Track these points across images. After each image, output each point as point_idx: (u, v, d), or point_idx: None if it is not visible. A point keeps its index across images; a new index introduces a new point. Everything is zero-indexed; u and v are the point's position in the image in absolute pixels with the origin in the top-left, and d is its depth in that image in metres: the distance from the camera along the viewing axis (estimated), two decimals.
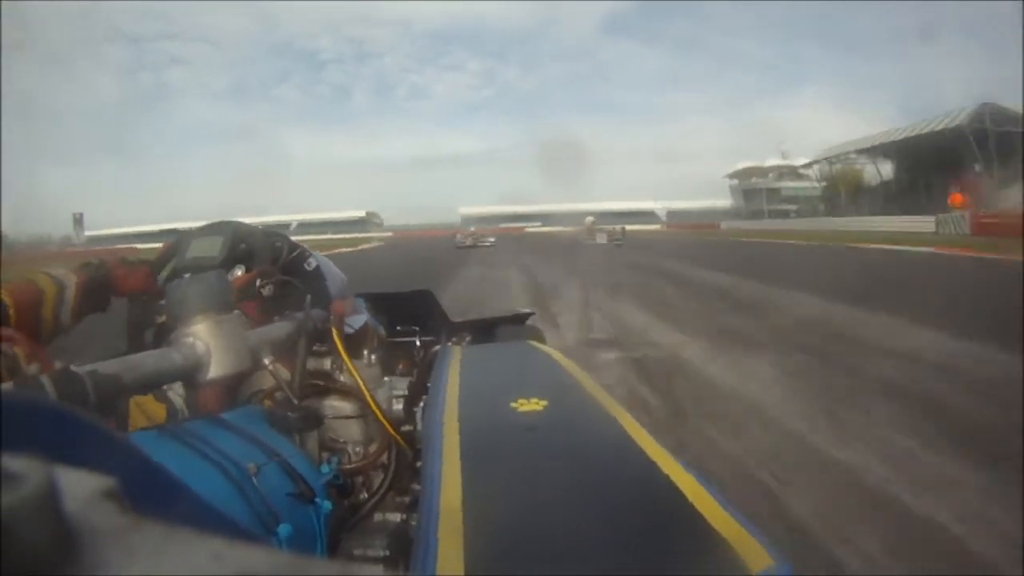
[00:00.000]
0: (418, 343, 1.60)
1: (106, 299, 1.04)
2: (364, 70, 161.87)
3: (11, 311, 0.81)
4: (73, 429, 0.24)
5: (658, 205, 62.15)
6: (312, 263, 1.28)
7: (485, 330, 1.86)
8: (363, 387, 0.96)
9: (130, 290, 1.06)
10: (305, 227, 56.25)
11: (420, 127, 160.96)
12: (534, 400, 0.85)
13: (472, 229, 36.48)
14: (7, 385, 0.51)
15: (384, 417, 0.97)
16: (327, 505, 0.79)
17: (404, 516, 0.98)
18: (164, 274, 1.16)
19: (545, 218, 57.17)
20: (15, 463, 0.15)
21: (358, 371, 0.98)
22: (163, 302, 0.89)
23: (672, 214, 59.43)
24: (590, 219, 31.71)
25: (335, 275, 1.34)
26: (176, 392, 0.88)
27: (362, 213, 64.04)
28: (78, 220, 22.27)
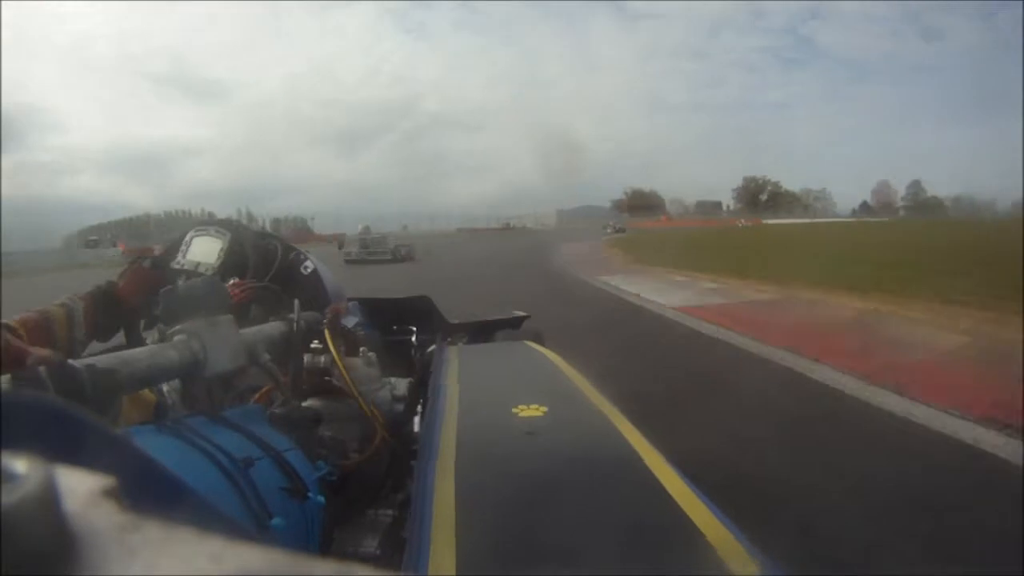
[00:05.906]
0: (415, 341, 1.59)
1: (118, 314, 1.08)
2: None
3: (25, 340, 0.83)
4: (73, 428, 0.24)
5: None
6: (308, 267, 1.30)
7: (482, 332, 1.86)
8: (351, 385, 0.96)
9: (138, 296, 1.10)
10: None
11: None
12: (534, 406, 0.86)
13: (360, 227, 19.93)
14: (5, 379, 0.51)
15: (377, 415, 0.97)
16: (320, 501, 0.79)
17: (397, 514, 0.98)
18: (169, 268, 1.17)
19: None
20: (15, 463, 0.15)
21: (350, 371, 0.98)
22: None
23: None
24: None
25: (330, 280, 1.35)
26: (172, 389, 0.88)
27: None
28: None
